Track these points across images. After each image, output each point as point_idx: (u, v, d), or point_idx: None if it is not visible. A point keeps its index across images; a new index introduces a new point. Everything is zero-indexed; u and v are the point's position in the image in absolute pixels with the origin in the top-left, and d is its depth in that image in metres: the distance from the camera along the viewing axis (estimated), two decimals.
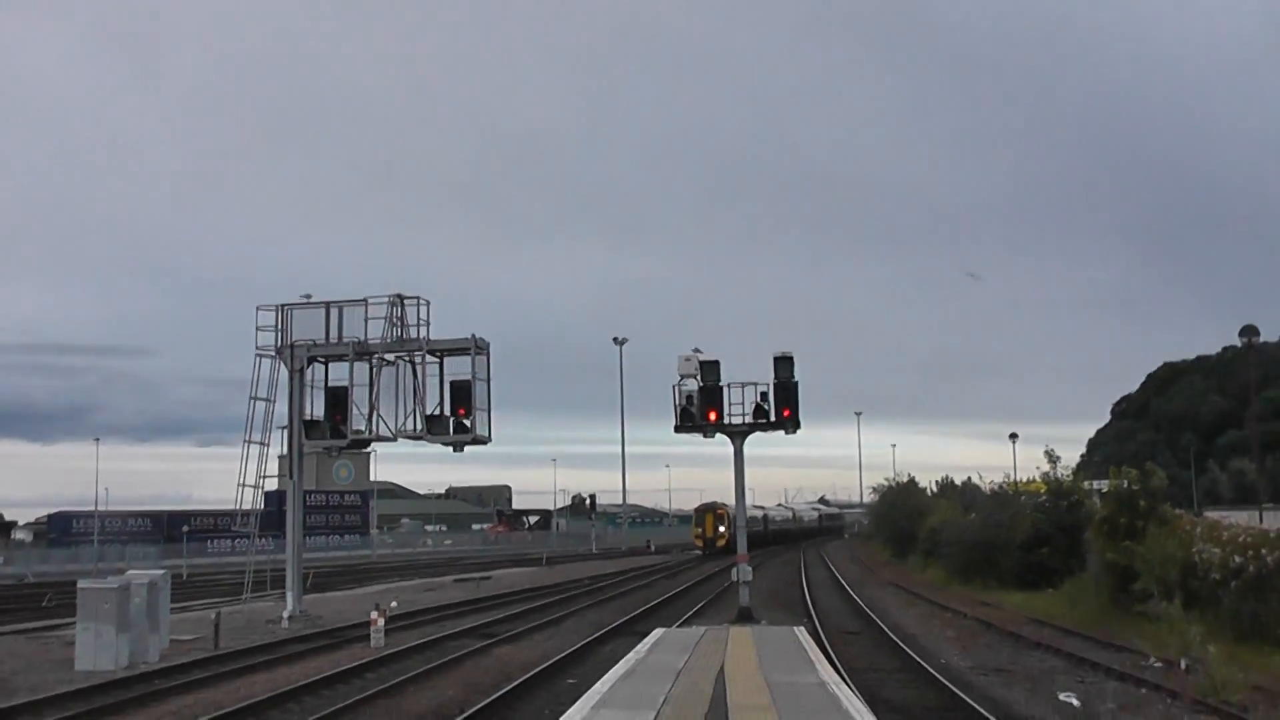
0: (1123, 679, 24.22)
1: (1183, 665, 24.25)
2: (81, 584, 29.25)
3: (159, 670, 26.51)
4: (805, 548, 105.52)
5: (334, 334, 38.17)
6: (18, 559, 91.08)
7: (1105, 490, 42.89)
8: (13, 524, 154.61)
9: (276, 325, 38.28)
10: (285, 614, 37.13)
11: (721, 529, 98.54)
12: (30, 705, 21.66)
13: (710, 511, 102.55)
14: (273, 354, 38.19)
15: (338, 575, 63.62)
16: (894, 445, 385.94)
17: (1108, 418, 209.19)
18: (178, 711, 20.88)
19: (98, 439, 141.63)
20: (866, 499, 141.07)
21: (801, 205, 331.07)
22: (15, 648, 32.14)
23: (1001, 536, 51.38)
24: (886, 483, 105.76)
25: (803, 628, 27.77)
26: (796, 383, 34.08)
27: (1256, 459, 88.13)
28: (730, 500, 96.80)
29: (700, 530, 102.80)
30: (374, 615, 31.16)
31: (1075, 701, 21.76)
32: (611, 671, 18.81)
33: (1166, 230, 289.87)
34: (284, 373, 38.28)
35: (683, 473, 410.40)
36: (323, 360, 38.58)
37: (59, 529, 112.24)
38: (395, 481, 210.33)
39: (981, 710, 19.87)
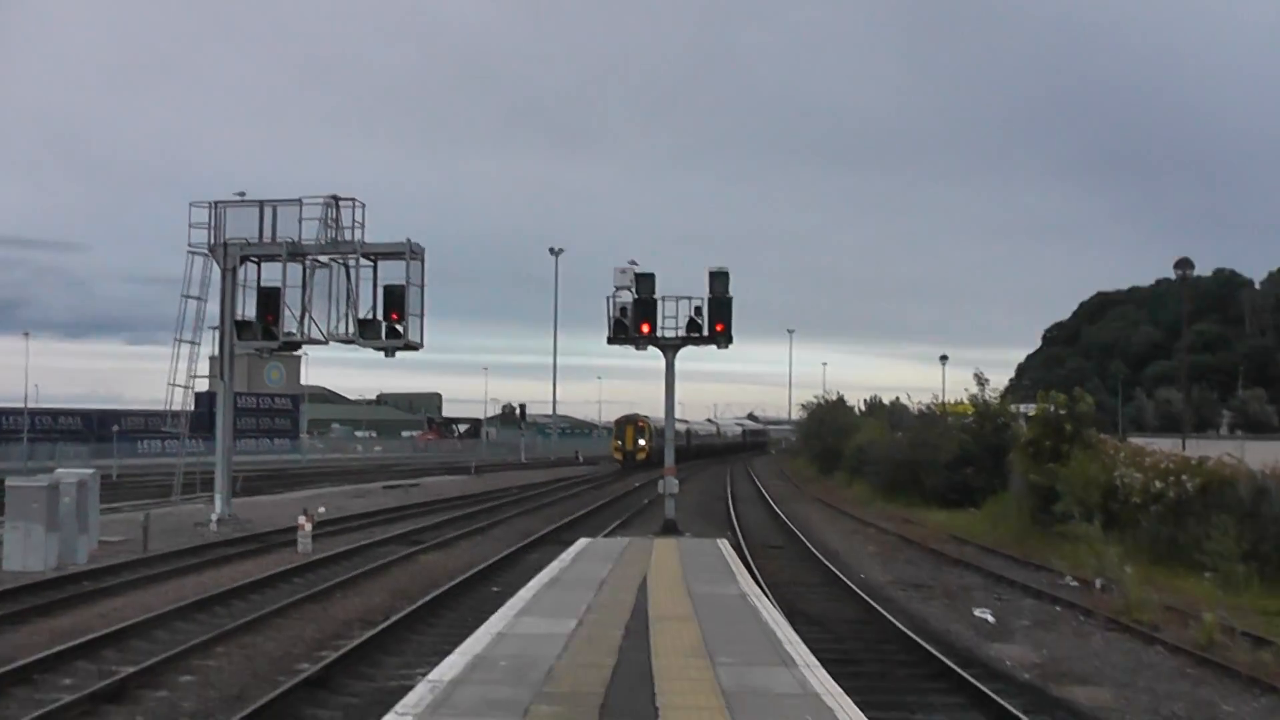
0: (1039, 597, 24.78)
1: (1098, 585, 24.77)
2: (10, 482, 29.04)
3: (88, 571, 26.42)
4: (731, 463, 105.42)
5: (267, 234, 37.71)
6: None
7: (1032, 414, 43.47)
8: None
9: (209, 223, 37.76)
10: (214, 517, 37.04)
11: (642, 442, 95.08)
12: None
13: (630, 423, 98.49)
14: (205, 252, 37.71)
15: (267, 479, 63.39)
16: (825, 364, 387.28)
17: (1038, 344, 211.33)
18: (107, 614, 20.85)
19: (27, 334, 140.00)
20: (795, 416, 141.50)
21: (742, 124, 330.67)
22: None
23: (927, 456, 52.07)
24: (816, 400, 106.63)
25: (726, 541, 28.10)
26: (731, 298, 34.20)
27: (1184, 389, 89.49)
28: (654, 413, 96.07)
29: (619, 443, 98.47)
30: (302, 521, 31.16)
31: (990, 618, 22.22)
32: (536, 580, 19.01)
33: (1107, 162, 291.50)
34: (216, 271, 37.84)
35: (614, 385, 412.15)
36: (255, 260, 38.18)
37: None
38: (326, 386, 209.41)
39: (898, 624, 20.25)
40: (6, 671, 15.57)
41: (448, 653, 12.76)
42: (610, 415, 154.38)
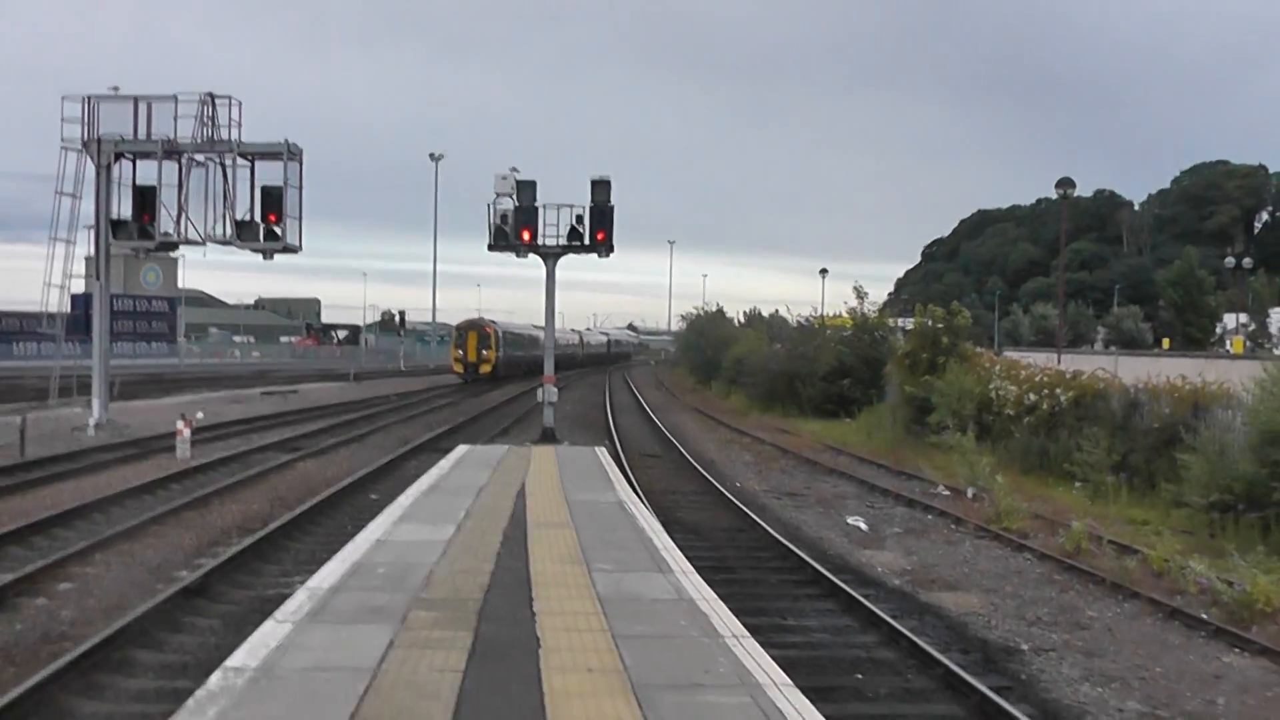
0: (911, 505, 25.36)
1: (970, 494, 25.41)
2: None
3: None
4: (605, 374, 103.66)
5: (142, 131, 36.91)
6: None
7: (910, 327, 44.19)
8: None
9: (83, 118, 36.82)
10: (92, 422, 36.55)
11: (486, 352, 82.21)
12: None
13: (474, 329, 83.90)
14: (79, 148, 36.83)
15: (145, 384, 62.47)
16: (705, 275, 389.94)
17: (918, 259, 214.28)
18: None
19: None
20: (675, 327, 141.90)
21: (624, 35, 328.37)
22: None
23: (805, 367, 52.72)
24: (695, 311, 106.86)
25: (604, 449, 28.33)
26: (612, 207, 34.18)
27: (1060, 304, 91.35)
28: (521, 319, 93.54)
29: (459, 353, 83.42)
30: (180, 426, 30.84)
31: (863, 525, 22.72)
32: (414, 487, 19.08)
33: (991, 80, 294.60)
34: (91, 168, 37.00)
35: (494, 294, 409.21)
36: (130, 157, 37.38)
37: None
38: (204, 290, 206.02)
39: (772, 532, 20.65)
40: None
41: (326, 560, 12.82)
42: None
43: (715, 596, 11.04)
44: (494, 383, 77.06)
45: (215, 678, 8.01)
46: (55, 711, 10.63)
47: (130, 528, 19.48)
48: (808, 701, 7.84)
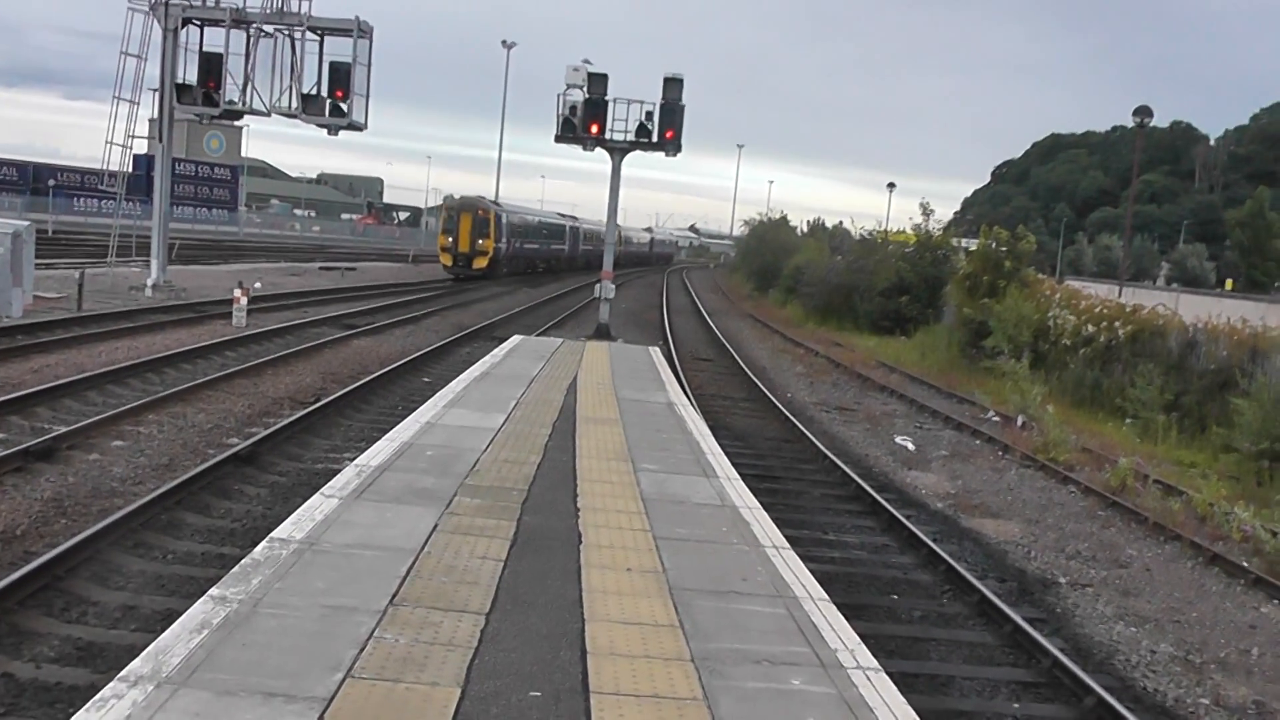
0: (959, 428, 25.25)
1: (1019, 422, 25.27)
2: None
3: (22, 325, 26.30)
4: (648, 275, 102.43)
5: None
6: None
7: (973, 248, 43.78)
8: None
9: None
10: (149, 282, 36.89)
11: (482, 241, 65.41)
12: None
13: (468, 212, 65.96)
14: (146, 9, 36.83)
15: (203, 249, 62.85)
16: (771, 182, 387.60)
17: (987, 179, 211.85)
18: (40, 369, 20.85)
19: None
20: (738, 232, 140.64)
21: None
22: None
23: (864, 281, 52.32)
24: (759, 217, 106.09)
25: (657, 349, 28.31)
26: (683, 105, 33.83)
27: (1127, 236, 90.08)
28: (585, 213, 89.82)
29: (449, 240, 65.94)
30: (237, 294, 31.04)
31: (910, 445, 22.66)
32: (466, 372, 19.13)
33: (1076, 3, 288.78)
34: (157, 31, 37.03)
35: (557, 185, 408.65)
36: (198, 23, 37.39)
37: None
38: (266, 161, 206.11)
39: (818, 444, 20.63)
40: None
41: (375, 439, 12.91)
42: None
43: (758, 505, 11.04)
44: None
45: (261, 548, 8.10)
46: (104, 566, 10.81)
47: (183, 390, 19.70)
48: (843, 618, 7.84)
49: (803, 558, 9.46)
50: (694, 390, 25.09)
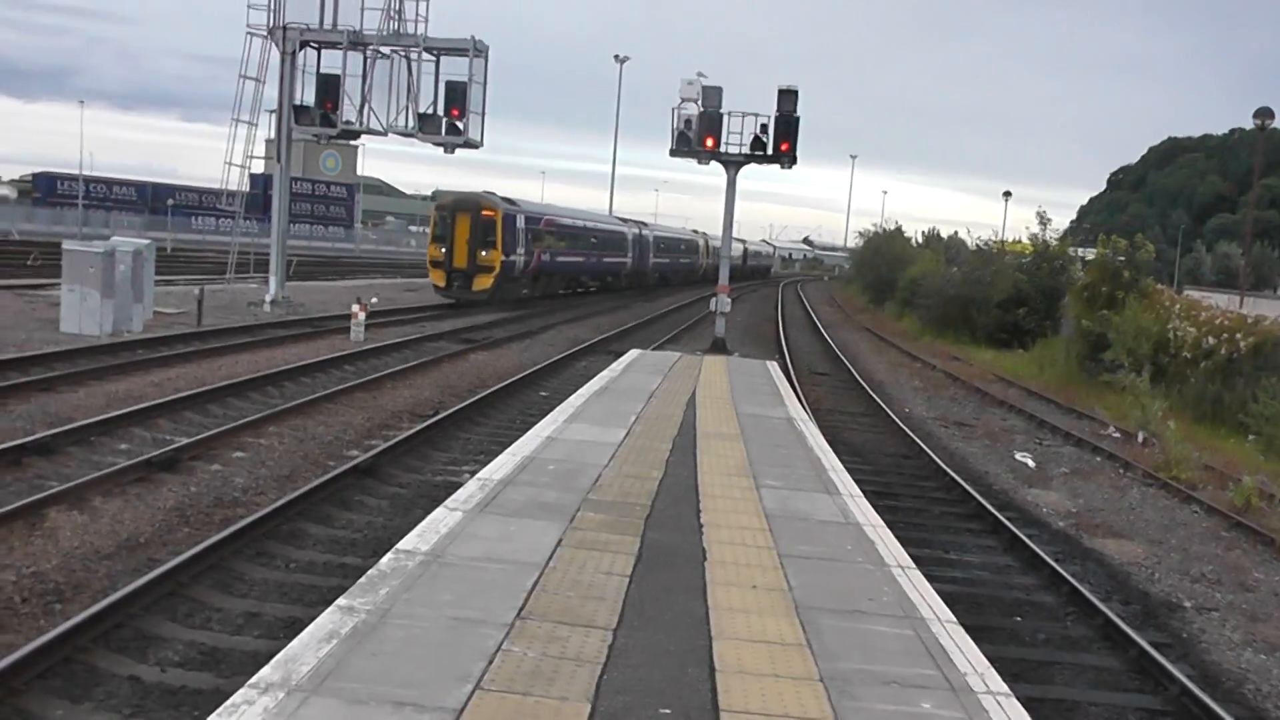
0: (1080, 445, 24.79)
1: (1140, 438, 24.77)
2: (67, 245, 29.27)
3: (142, 340, 26.83)
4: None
5: (328, 20, 37.60)
6: (2, 215, 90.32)
7: (1090, 258, 43.12)
8: None
9: (268, 4, 37.56)
10: (268, 298, 37.48)
11: (487, 253, 47.99)
12: (16, 362, 21.95)
13: (465, 212, 48.78)
14: (264, 34, 37.55)
15: (320, 266, 63.79)
16: (885, 192, 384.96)
17: (1103, 186, 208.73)
18: (161, 383, 21.22)
19: (82, 101, 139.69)
20: (852, 244, 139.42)
21: None
22: (2, 302, 32.40)
23: (981, 293, 51.68)
24: (873, 228, 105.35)
25: (775, 363, 28.17)
26: (798, 117, 33.73)
27: (1247, 244, 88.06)
28: (701, 226, 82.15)
29: (442, 252, 48.79)
30: (355, 309, 31.43)
31: (1031, 462, 22.31)
32: (585, 387, 19.15)
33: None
34: (275, 54, 37.75)
35: (671, 199, 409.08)
36: (315, 46, 38.11)
37: (44, 189, 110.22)
38: (382, 179, 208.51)
39: (938, 461, 20.38)
40: (66, 431, 15.96)
41: (495, 453, 12.96)
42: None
43: (881, 523, 10.91)
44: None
45: (387, 558, 8.14)
46: (227, 574, 10.96)
47: (302, 403, 19.95)
48: (971, 641, 7.70)
49: (925, 577, 9.32)
50: (811, 405, 24.92)
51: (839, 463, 14.08)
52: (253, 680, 5.87)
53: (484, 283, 47.72)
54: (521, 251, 50.48)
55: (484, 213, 48.14)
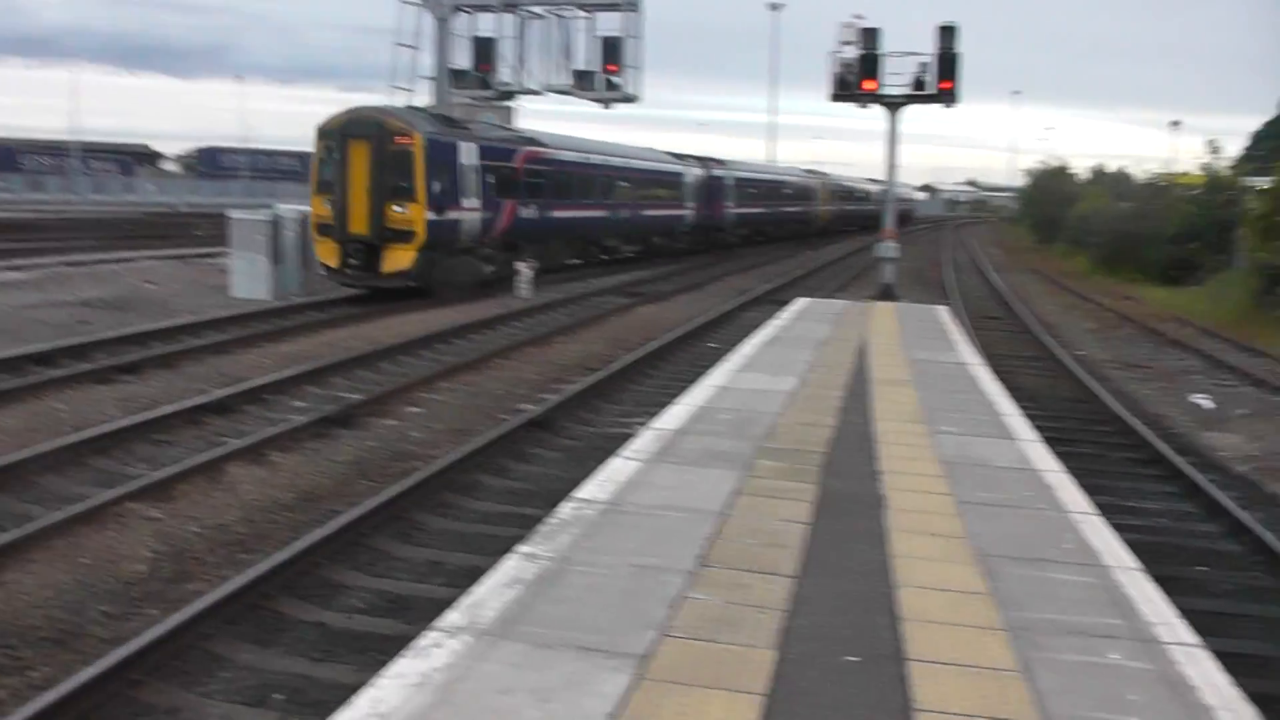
0: (1259, 385, 23.94)
1: None
2: (233, 214, 29.97)
3: (310, 304, 27.50)
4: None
5: None
6: (169, 189, 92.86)
7: (1266, 187, 41.67)
8: (159, 155, 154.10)
9: None
10: None
11: (401, 209, 29.64)
12: (191, 327, 22.76)
13: (363, 141, 30.02)
14: (419, 2, 37.93)
15: None
16: (1050, 129, 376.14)
17: (1276, 111, 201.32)
18: (332, 343, 21.74)
19: (240, 77, 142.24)
20: (1019, 184, 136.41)
21: None
22: (174, 272, 33.42)
23: (1151, 228, 50.46)
24: (1039, 167, 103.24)
25: (945, 308, 27.79)
26: (959, 54, 33.08)
27: None
28: (860, 173, 77.66)
29: (330, 209, 29.94)
30: (522, 266, 31.72)
31: (1209, 404, 21.72)
32: (755, 336, 19.08)
33: None
34: (428, 20, 38.08)
35: (830, 146, 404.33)
36: (469, 10, 38.40)
37: (208, 162, 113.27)
38: None
39: (1113, 406, 19.94)
40: (242, 391, 16.45)
41: (666, 404, 13.00)
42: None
43: (1061, 469, 10.71)
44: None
45: (567, 507, 8.23)
46: (407, 524, 11.23)
47: (474, 360, 20.29)
48: (1156, 592, 7.51)
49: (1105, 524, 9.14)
50: (983, 349, 24.56)
51: (1014, 407, 13.86)
52: (439, 624, 5.99)
53: (400, 259, 29.86)
54: (473, 204, 32.81)
55: (396, 140, 30.15)
